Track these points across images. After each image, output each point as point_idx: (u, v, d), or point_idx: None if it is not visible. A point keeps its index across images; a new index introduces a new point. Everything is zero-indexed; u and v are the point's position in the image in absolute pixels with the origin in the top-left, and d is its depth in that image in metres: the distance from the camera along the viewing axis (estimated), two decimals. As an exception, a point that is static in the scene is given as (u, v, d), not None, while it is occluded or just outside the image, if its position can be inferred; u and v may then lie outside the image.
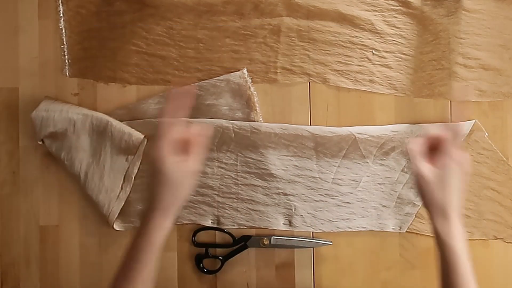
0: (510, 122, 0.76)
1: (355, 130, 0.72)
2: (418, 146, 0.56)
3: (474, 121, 0.74)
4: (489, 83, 0.75)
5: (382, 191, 0.74)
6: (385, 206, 0.75)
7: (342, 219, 0.74)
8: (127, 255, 0.50)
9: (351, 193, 0.74)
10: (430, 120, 0.75)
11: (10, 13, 0.74)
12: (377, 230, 0.74)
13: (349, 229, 0.74)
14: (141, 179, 0.73)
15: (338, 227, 0.74)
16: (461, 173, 0.55)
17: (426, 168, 0.55)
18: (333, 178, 0.74)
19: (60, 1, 0.73)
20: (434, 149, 0.56)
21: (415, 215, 0.74)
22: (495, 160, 0.75)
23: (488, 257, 0.76)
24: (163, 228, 0.50)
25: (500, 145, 0.76)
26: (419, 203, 0.74)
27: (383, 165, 0.74)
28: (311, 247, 0.74)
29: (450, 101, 0.75)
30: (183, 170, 0.51)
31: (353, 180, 0.74)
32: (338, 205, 0.74)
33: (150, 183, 0.52)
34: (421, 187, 0.55)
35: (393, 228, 0.74)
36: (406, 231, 0.74)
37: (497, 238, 0.75)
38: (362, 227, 0.74)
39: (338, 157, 0.73)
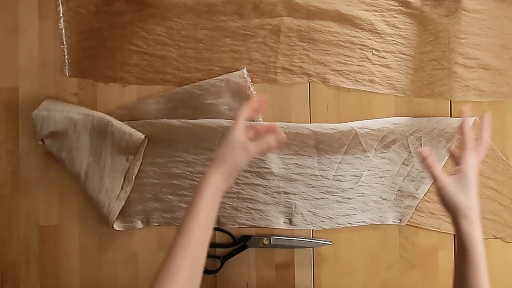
0: (510, 122, 0.76)
1: (356, 125, 0.72)
2: (431, 155, 0.59)
3: (474, 118, 0.74)
4: (489, 83, 0.75)
5: (383, 184, 0.74)
6: (385, 199, 0.75)
7: (343, 215, 0.74)
8: (186, 209, 0.56)
9: (352, 188, 0.74)
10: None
11: (10, 13, 0.74)
12: (377, 223, 0.74)
13: (349, 225, 0.74)
14: (141, 179, 0.73)
15: (338, 224, 0.74)
16: (477, 176, 0.58)
17: (446, 178, 0.58)
18: (334, 175, 0.74)
19: (60, 1, 0.73)
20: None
21: (415, 209, 0.75)
22: (495, 160, 0.75)
23: (487, 257, 0.75)
24: (212, 183, 0.56)
25: (500, 145, 0.76)
26: (419, 196, 0.74)
27: (383, 158, 0.74)
28: (311, 247, 0.74)
29: (450, 101, 0.75)
30: (244, 144, 0.59)
31: (354, 175, 0.74)
32: (339, 202, 0.74)
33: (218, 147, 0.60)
34: (444, 195, 0.57)
35: (393, 221, 0.75)
36: (406, 224, 0.75)
37: (496, 238, 0.76)
38: (363, 221, 0.74)
39: (340, 153, 0.73)
